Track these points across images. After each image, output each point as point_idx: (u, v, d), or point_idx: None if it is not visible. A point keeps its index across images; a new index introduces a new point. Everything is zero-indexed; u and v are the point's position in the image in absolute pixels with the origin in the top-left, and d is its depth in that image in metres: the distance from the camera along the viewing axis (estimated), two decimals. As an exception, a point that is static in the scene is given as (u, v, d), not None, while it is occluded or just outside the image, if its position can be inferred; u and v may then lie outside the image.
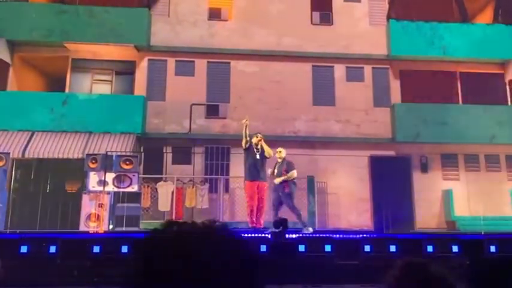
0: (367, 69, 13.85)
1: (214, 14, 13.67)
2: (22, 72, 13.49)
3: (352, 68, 13.79)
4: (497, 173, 13.59)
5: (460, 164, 13.59)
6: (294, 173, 8.14)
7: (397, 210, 12.75)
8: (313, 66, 13.70)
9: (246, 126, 7.71)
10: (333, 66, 13.77)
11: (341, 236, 6.76)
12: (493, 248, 6.50)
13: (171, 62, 13.38)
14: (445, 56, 13.59)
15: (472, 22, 14.34)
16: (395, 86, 13.86)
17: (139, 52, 13.30)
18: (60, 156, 11.68)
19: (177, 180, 11.99)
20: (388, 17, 13.87)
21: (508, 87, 13.99)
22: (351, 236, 6.95)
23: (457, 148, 13.47)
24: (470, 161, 13.61)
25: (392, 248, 6.39)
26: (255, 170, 7.72)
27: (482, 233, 8.11)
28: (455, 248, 6.50)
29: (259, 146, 7.85)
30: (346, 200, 12.90)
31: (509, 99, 13.98)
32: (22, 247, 5.58)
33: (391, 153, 13.44)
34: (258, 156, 7.78)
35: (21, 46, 13.06)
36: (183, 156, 12.93)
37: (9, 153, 10.49)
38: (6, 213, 10.82)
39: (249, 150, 7.85)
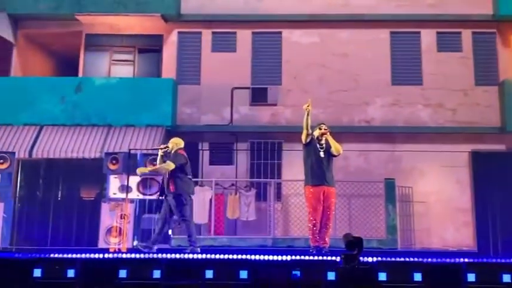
0: (466, 35, 13.52)
1: (261, -29, 13.62)
2: (27, 53, 14.09)
3: (445, 33, 13.51)
4: None
5: None
6: (167, 165, 7.92)
7: (509, 225, 12.26)
8: (391, 33, 13.55)
9: (307, 114, 7.46)
10: (418, 32, 13.53)
11: (434, 260, 6.42)
12: None
13: (206, 35, 13.49)
14: None
15: None
16: (505, 57, 13.41)
17: (167, 23, 13.50)
18: (74, 155, 12.04)
19: (216, 184, 12.05)
20: (495, -37, 13.32)
21: None
22: (447, 260, 6.60)
23: None
24: None
25: (507, 278, 6.00)
26: (319, 171, 7.52)
27: None
28: None
29: (323, 141, 7.59)
30: (438, 211, 12.62)
31: None
32: (35, 270, 5.75)
33: (501, 147, 13.09)
34: (322, 154, 7.55)
35: (26, 21, 13.65)
36: (223, 155, 13.03)
37: (14, 152, 10.97)
38: (11, 226, 11.32)
39: (310, 146, 7.62)
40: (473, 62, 13.39)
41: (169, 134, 12.81)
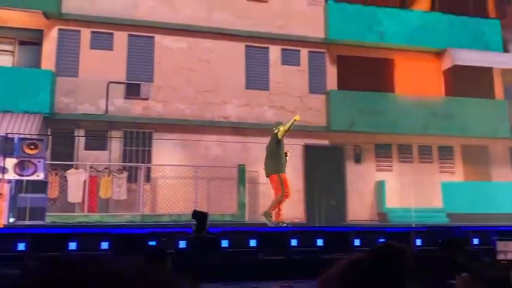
0: (304, 53, 14.13)
1: (138, -18, 13.21)
2: None
3: (288, 50, 14.01)
4: (429, 164, 14.63)
5: (393, 154, 14.43)
6: None
7: (329, 202, 13.34)
8: (246, 46, 13.75)
9: (293, 122, 7.89)
10: (267, 48, 13.90)
11: (267, 229, 6.89)
12: (418, 241, 6.94)
13: (85, 33, 12.79)
14: (382, 42, 14.26)
15: (410, 8, 15.12)
16: (332, 72, 14.30)
17: (48, 20, 12.57)
18: None
19: (91, 168, 11.62)
20: (327, -2, 14.23)
21: (442, 77, 15.00)
22: (277, 229, 7.11)
23: (391, 138, 14.26)
24: (404, 152, 14.51)
25: (320, 242, 6.61)
26: (284, 162, 8.08)
27: (413, 226, 8.63)
28: (382, 241, 6.89)
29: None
30: None
31: (443, 89, 15.00)
32: None
33: (325, 142, 13.89)
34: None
35: None
36: (97, 141, 12.50)
37: None
38: None
39: (281, 142, 8.10)
40: (308, 75, 13.99)
41: (47, 121, 12.07)
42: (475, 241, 6.54)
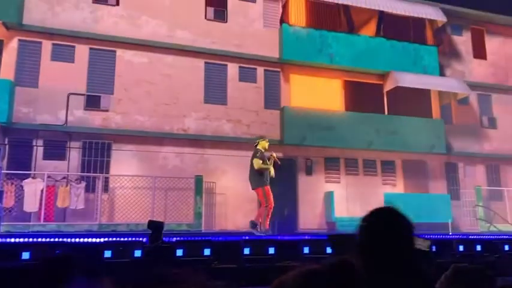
0: (260, 71, 14.31)
1: (100, -3, 12.96)
2: None
3: (244, 68, 14.13)
4: (373, 177, 15.08)
5: (341, 167, 14.78)
6: None
7: (282, 211, 13.42)
8: (205, 62, 13.76)
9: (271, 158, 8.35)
10: (226, 65, 13.96)
11: (221, 238, 6.84)
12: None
13: (46, 45, 12.37)
14: (332, 64, 14.67)
15: (357, 33, 15.66)
16: (285, 89, 14.54)
17: (8, 30, 12.09)
18: None
19: (48, 177, 11.17)
20: (281, 21, 14.50)
21: (385, 97, 15.57)
22: (231, 238, 7.08)
23: (339, 152, 14.65)
24: (350, 165, 14.90)
25: (271, 250, 6.64)
26: (267, 175, 8.35)
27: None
28: (329, 250, 7.00)
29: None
30: (233, 201, 13.12)
31: (385, 108, 15.56)
32: None
33: (279, 154, 13.77)
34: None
35: None
36: (56, 151, 12.04)
37: None
38: None
39: (264, 158, 8.40)
40: (264, 91, 14.15)
41: (4, 130, 11.54)
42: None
